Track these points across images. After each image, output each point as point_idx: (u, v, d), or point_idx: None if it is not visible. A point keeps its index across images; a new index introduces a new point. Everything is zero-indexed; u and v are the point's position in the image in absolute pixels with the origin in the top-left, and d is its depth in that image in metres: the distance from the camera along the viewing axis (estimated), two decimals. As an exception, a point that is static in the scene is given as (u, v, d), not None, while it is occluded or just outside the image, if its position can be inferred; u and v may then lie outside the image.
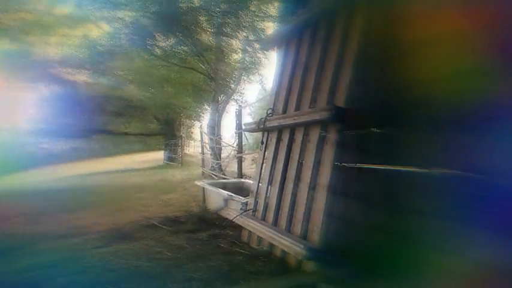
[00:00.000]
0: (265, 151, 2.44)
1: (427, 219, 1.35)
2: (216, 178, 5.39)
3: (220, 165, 5.94)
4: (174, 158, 11.21)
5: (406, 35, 1.49)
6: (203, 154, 6.98)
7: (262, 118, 2.44)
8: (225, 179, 5.03)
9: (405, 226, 1.47)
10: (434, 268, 1.32)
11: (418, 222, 1.40)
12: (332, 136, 1.75)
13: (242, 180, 4.12)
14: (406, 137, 1.48)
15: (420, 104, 1.40)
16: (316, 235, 1.69)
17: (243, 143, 4.96)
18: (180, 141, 11.23)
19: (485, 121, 1.11)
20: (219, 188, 3.45)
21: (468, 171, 1.17)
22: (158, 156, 12.90)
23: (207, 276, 1.62)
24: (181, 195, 4.57)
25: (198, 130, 7.37)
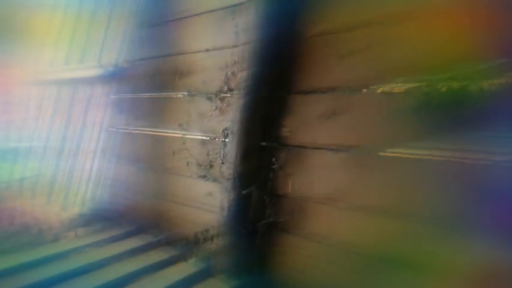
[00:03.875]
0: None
1: (182, 179, 1.52)
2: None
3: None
4: None
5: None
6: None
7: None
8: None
9: (171, 186, 1.61)
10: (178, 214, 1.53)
11: (175, 182, 1.56)
12: (103, 97, 1.62)
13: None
14: (171, 103, 1.58)
15: (183, 72, 1.52)
16: (81, 201, 1.57)
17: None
18: None
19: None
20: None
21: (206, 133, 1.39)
22: None
23: None
24: None
25: None
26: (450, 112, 0.79)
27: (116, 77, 1.59)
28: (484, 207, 0.77)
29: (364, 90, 0.93)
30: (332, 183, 1.04)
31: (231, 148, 1.27)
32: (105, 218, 1.84)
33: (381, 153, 0.93)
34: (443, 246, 0.84)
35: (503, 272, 0.76)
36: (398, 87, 0.87)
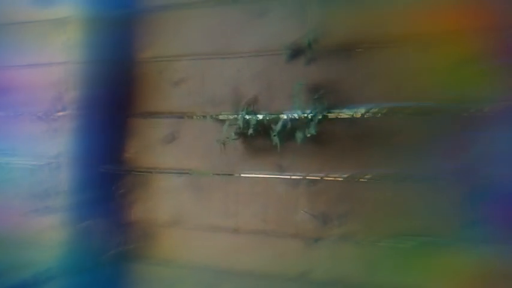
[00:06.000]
0: None
1: (9, 214, 1.28)
2: None
3: None
4: None
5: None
6: None
7: None
8: None
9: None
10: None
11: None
12: None
13: None
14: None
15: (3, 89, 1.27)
16: None
17: None
18: None
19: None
20: None
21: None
22: None
23: None
24: None
25: None
26: (265, 139, 0.93)
27: None
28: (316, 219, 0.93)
29: (198, 116, 1.00)
30: (177, 206, 1.06)
31: (67, 175, 1.14)
32: None
33: (218, 174, 1.01)
34: (283, 255, 0.97)
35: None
36: (226, 114, 0.97)
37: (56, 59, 1.15)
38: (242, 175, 0.98)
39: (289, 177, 0.93)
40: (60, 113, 1.17)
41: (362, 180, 0.89)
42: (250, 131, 0.92)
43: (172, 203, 1.07)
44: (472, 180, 0.80)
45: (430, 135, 0.84)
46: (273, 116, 0.90)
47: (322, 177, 0.91)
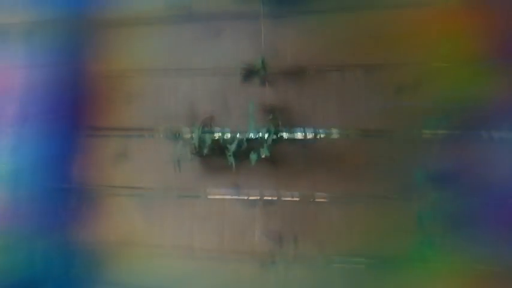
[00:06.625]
0: None
1: None
2: None
3: None
4: None
5: None
6: None
7: None
8: None
9: None
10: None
11: None
12: None
13: None
14: None
15: None
16: None
17: None
18: None
19: None
20: None
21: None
22: None
23: None
24: None
25: None
26: (220, 158, 0.91)
27: None
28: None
29: (151, 133, 0.96)
30: (128, 227, 1.01)
31: (8, 191, 1.05)
32: None
33: (172, 195, 0.97)
34: (240, 278, 0.94)
35: None
36: (180, 132, 0.94)
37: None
38: (197, 195, 0.95)
39: (245, 197, 0.92)
40: (3, 126, 1.08)
41: (318, 200, 0.90)
42: (205, 150, 0.90)
43: (123, 224, 1.01)
44: (422, 199, 0.83)
45: (383, 156, 0.87)
46: (228, 135, 0.89)
47: (278, 198, 0.91)
